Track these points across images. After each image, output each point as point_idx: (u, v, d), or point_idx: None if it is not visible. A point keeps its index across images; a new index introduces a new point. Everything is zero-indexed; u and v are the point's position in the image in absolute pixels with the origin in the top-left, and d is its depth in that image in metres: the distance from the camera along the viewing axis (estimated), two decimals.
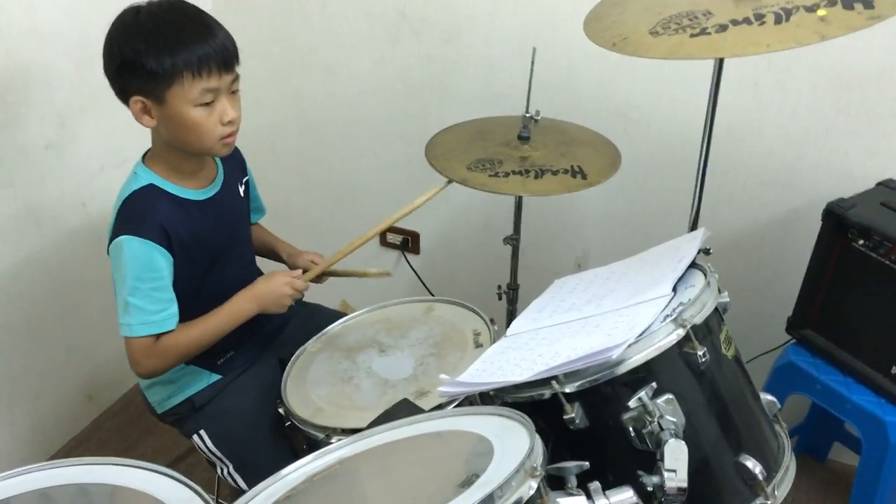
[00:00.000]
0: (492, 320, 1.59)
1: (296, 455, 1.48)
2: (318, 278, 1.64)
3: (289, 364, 1.56)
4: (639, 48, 1.18)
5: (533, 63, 1.69)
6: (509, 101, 1.95)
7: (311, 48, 2.26)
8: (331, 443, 1.25)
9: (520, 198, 1.87)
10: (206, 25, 1.36)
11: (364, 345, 1.60)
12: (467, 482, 0.88)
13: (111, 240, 1.41)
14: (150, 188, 1.42)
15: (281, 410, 1.46)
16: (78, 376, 2.22)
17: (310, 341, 1.62)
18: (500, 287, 1.98)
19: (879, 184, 1.75)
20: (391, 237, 2.45)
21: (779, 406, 1.24)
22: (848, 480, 1.83)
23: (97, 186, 2.06)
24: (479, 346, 1.53)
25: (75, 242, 2.07)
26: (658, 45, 1.16)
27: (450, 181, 1.61)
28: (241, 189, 1.60)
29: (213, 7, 2.26)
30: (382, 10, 2.12)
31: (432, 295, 2.37)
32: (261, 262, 1.72)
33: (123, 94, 1.37)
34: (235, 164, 1.60)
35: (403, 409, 1.25)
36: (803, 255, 1.75)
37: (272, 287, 1.49)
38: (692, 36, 1.14)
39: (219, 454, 1.53)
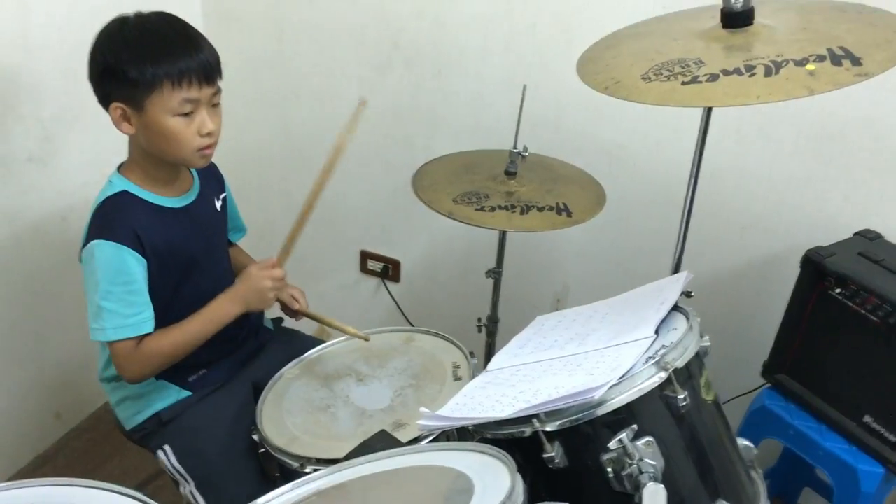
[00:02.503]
0: (471, 353, 1.59)
1: (264, 479, 1.47)
2: (296, 315, 1.63)
3: (265, 389, 1.54)
4: (631, 93, 1.19)
5: (523, 100, 1.71)
6: (497, 136, 1.97)
7: (302, 73, 2.27)
8: (305, 472, 1.24)
9: (504, 232, 1.88)
10: (190, 38, 1.38)
11: (342, 373, 1.59)
12: None
13: (84, 245, 1.41)
14: (124, 194, 1.43)
15: (255, 437, 1.44)
16: (47, 393, 2.18)
17: (287, 367, 1.61)
18: (479, 320, 1.98)
19: (857, 234, 1.78)
20: (372, 264, 2.44)
21: (755, 451, 1.25)
22: None
23: (78, 201, 2.04)
24: (457, 379, 1.53)
25: (52, 257, 2.05)
26: (650, 91, 1.18)
27: (363, 102, 1.55)
28: (218, 204, 1.60)
29: (205, 25, 2.28)
30: (375, 39, 2.14)
31: (411, 324, 2.36)
32: None
33: (105, 101, 1.39)
34: (213, 178, 1.61)
35: (381, 441, 1.24)
36: (780, 301, 1.77)
37: (252, 283, 1.48)
38: (683, 84, 1.15)
39: (182, 471, 1.51)
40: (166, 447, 1.52)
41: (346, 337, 1.69)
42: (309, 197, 1.52)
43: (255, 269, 1.51)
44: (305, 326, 1.85)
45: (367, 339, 1.61)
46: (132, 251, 1.39)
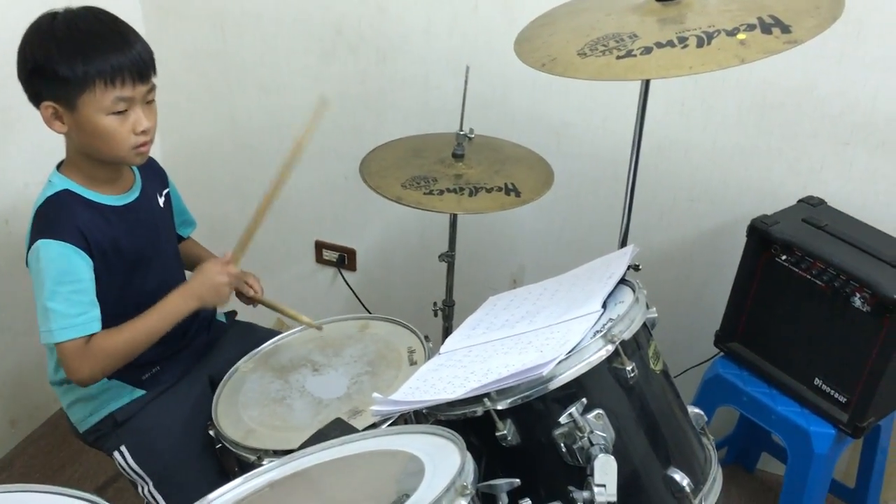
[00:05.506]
0: (427, 337, 1.59)
1: (224, 475, 1.47)
2: (251, 302, 1.61)
3: (220, 384, 1.53)
4: (567, 69, 1.20)
5: (466, 81, 1.70)
6: (444, 119, 1.97)
7: (246, 63, 2.24)
8: (262, 465, 1.23)
9: (455, 215, 1.88)
10: (121, 34, 1.35)
11: (297, 364, 1.58)
12: (398, 502, 0.88)
13: (28, 248, 1.38)
14: (65, 193, 1.40)
15: (212, 433, 1.43)
16: (0, 401, 2.14)
17: (241, 361, 1.59)
18: (435, 304, 1.98)
19: (801, 200, 1.81)
20: (327, 254, 2.43)
21: (706, 419, 1.27)
22: (776, 489, 1.88)
23: (20, 203, 1.99)
24: (413, 363, 1.53)
25: None
26: (585, 67, 1.18)
27: (324, 101, 1.55)
28: (161, 200, 1.58)
29: (145, 20, 2.24)
30: (318, 25, 2.11)
31: (369, 312, 2.36)
32: None
33: (35, 100, 1.35)
34: (154, 175, 1.58)
35: (336, 429, 1.23)
36: (730, 271, 1.80)
37: (207, 278, 1.46)
38: (618, 58, 1.16)
39: (139, 471, 1.50)
40: (122, 448, 1.50)
41: (300, 328, 1.68)
42: (266, 194, 1.50)
43: (210, 264, 1.49)
44: (260, 319, 1.83)
45: (319, 329, 1.60)
46: (78, 249, 1.36)
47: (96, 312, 1.39)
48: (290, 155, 1.48)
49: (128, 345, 1.41)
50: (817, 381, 1.69)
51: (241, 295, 1.61)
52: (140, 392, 1.53)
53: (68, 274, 1.36)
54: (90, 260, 1.38)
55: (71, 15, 1.34)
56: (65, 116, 1.34)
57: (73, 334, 1.36)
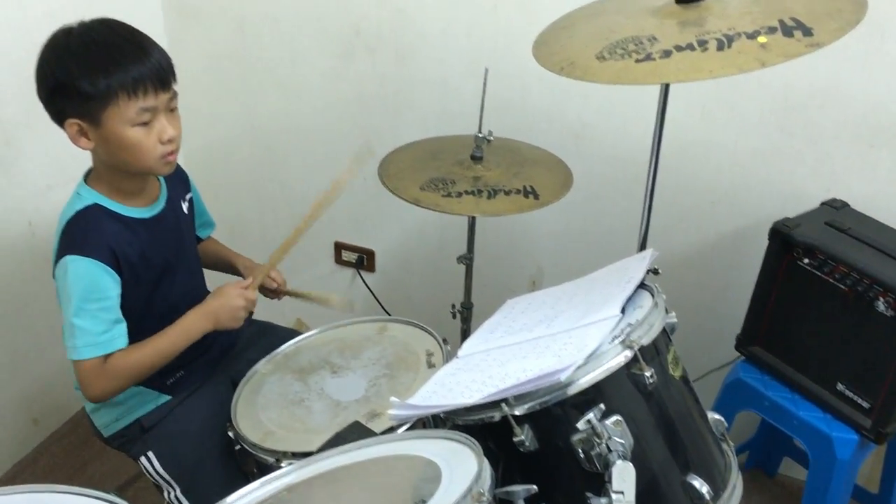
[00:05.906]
0: (445, 340, 1.59)
1: (246, 479, 1.47)
2: (276, 295, 1.62)
3: (239, 386, 1.54)
4: (586, 73, 1.19)
5: (485, 83, 1.70)
6: (462, 120, 1.96)
7: (265, 64, 2.25)
8: (281, 467, 1.24)
9: (473, 217, 1.87)
10: (139, 44, 1.34)
11: (316, 366, 1.58)
12: None
13: (56, 261, 1.38)
14: (95, 208, 1.40)
15: (231, 434, 1.43)
16: (23, 399, 2.16)
17: (261, 362, 1.60)
18: (454, 306, 1.98)
19: (824, 203, 1.79)
20: (346, 255, 2.43)
21: (726, 425, 1.25)
22: (797, 494, 1.86)
23: (44, 205, 2.02)
24: (431, 366, 1.53)
25: (20, 262, 2.03)
26: (604, 70, 1.18)
27: (370, 149, 1.56)
28: (185, 206, 1.58)
29: (165, 22, 2.26)
30: (337, 27, 2.12)
31: (388, 314, 2.36)
32: (214, 276, 1.70)
33: (58, 118, 1.35)
34: (178, 181, 1.58)
35: (354, 432, 1.23)
36: (752, 274, 1.78)
37: (225, 301, 1.46)
38: (637, 61, 1.15)
39: (167, 477, 1.50)
40: (149, 454, 1.51)
41: (319, 329, 1.68)
42: (296, 229, 1.55)
43: (230, 286, 1.49)
44: (280, 319, 1.84)
45: (352, 308, 1.60)
46: (106, 267, 1.36)
47: (122, 329, 1.40)
48: (327, 195, 1.53)
49: (143, 364, 1.42)
50: (840, 386, 1.67)
51: (264, 289, 1.61)
52: (166, 397, 1.54)
53: (95, 291, 1.36)
54: (118, 277, 1.38)
55: (86, 29, 1.33)
56: (90, 132, 1.34)
57: (97, 352, 1.37)
